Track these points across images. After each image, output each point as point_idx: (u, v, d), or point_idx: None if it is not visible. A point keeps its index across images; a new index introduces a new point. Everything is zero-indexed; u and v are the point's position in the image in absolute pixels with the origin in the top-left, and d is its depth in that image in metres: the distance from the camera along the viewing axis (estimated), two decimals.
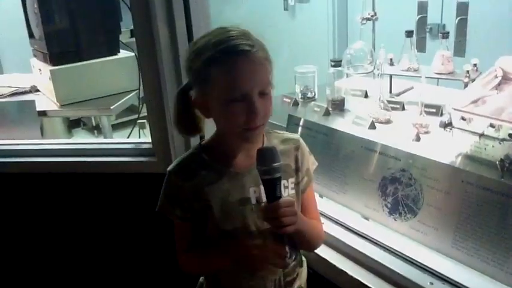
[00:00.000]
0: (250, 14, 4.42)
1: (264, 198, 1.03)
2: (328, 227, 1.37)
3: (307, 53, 3.92)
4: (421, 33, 3.51)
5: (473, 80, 1.62)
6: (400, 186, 1.25)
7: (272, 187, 0.98)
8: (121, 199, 1.96)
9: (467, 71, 1.63)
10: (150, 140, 1.89)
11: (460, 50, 3.19)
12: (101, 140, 2.22)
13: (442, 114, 1.63)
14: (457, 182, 1.14)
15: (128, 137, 2.40)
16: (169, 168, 1.12)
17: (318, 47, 3.93)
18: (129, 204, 1.96)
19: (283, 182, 1.08)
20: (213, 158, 1.10)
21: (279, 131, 1.20)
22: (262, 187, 1.04)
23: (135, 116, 2.40)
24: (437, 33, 3.03)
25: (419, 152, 1.27)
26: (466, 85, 1.64)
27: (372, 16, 1.94)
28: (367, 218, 1.37)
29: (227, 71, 0.97)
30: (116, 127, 3.67)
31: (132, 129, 2.42)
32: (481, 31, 2.66)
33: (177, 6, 1.61)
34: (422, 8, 3.42)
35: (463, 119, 1.26)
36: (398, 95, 1.98)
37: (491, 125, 1.20)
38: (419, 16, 3.31)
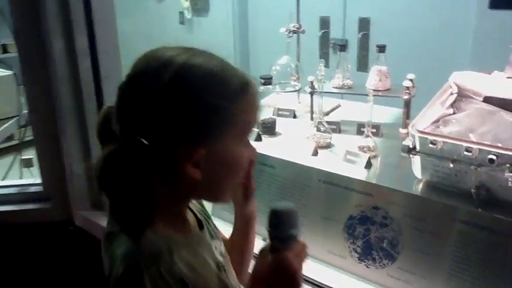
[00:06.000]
0: (144, 28, 4.09)
1: None
2: None
3: None
4: (324, 48, 3.45)
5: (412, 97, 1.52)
6: (372, 226, 1.06)
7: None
8: (6, 255, 1.54)
9: (407, 88, 1.51)
10: (41, 181, 1.51)
11: (363, 64, 3.16)
12: None
13: (382, 135, 1.51)
14: (445, 220, 0.98)
15: (4, 179, 1.93)
16: (130, 264, 0.70)
17: None
18: (17, 261, 1.55)
19: None
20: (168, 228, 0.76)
21: None
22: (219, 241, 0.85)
23: (10, 143, 1.95)
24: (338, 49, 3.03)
25: (387, 184, 1.09)
26: (406, 102, 1.53)
27: (298, 29, 1.76)
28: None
29: (251, 104, 0.75)
30: None
31: (10, 166, 1.95)
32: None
33: (76, 17, 1.28)
34: (325, 24, 3.37)
35: (432, 143, 1.11)
36: (327, 114, 1.83)
37: (467, 150, 1.06)
38: (322, 31, 3.25)
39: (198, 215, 0.86)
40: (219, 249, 0.85)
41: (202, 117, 0.70)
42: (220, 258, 0.83)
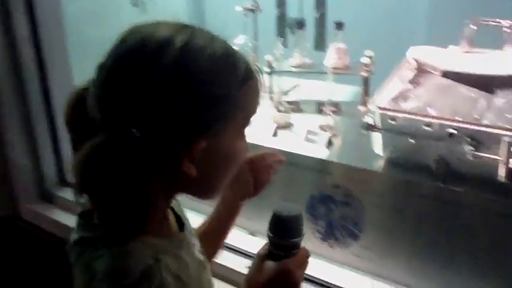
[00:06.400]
0: (92, 11, 3.92)
1: None
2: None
3: None
4: (281, 28, 3.41)
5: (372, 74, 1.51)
6: (333, 205, 1.04)
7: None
8: None
9: (366, 65, 1.50)
10: None
11: (321, 44, 3.15)
12: None
13: (341, 113, 1.49)
14: (407, 196, 0.97)
15: None
16: (118, 283, 0.62)
17: None
18: None
19: None
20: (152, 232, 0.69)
21: None
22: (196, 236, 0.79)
23: None
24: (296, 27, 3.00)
25: (348, 161, 1.08)
26: (364, 80, 1.52)
27: (256, 8, 1.73)
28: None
29: (255, 91, 0.69)
30: None
31: None
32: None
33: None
34: (281, 2, 3.33)
35: (392, 119, 1.09)
36: (286, 93, 1.81)
37: (427, 124, 1.05)
38: (278, 10, 3.20)
39: (176, 210, 0.79)
40: (197, 245, 0.79)
41: (205, 108, 0.63)
42: (201, 257, 0.77)
